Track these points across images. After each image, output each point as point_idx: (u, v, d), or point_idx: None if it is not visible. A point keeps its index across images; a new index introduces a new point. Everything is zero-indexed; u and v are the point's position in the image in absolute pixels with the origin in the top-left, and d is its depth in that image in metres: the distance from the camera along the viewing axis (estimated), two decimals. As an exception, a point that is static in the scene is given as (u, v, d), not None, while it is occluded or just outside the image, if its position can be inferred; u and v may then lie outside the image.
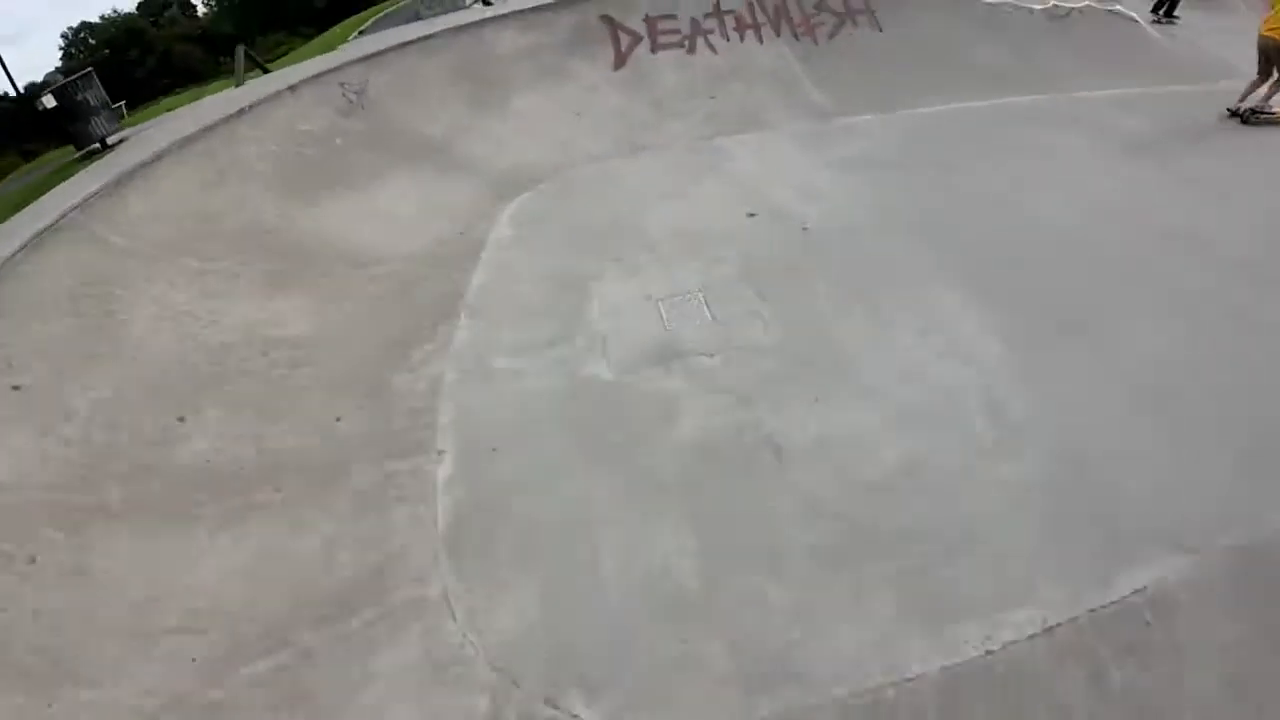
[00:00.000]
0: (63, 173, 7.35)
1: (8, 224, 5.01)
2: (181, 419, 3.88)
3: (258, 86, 7.60)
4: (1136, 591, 2.77)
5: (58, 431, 3.57)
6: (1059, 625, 2.69)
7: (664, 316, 4.75)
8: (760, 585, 2.95)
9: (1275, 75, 7.22)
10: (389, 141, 7.06)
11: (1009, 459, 3.41)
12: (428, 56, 8.04)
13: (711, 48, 9.05)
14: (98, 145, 8.09)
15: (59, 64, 60.43)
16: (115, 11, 61.09)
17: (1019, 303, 4.49)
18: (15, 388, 3.67)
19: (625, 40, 8.87)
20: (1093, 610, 2.72)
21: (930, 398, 3.82)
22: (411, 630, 2.92)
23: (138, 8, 61.78)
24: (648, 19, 9.02)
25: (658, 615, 2.90)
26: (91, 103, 8.18)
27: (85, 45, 61.26)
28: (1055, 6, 9.77)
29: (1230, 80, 8.00)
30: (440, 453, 3.82)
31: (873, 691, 2.57)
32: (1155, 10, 10.46)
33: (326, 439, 3.93)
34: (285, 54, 34.06)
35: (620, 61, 8.77)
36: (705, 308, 4.79)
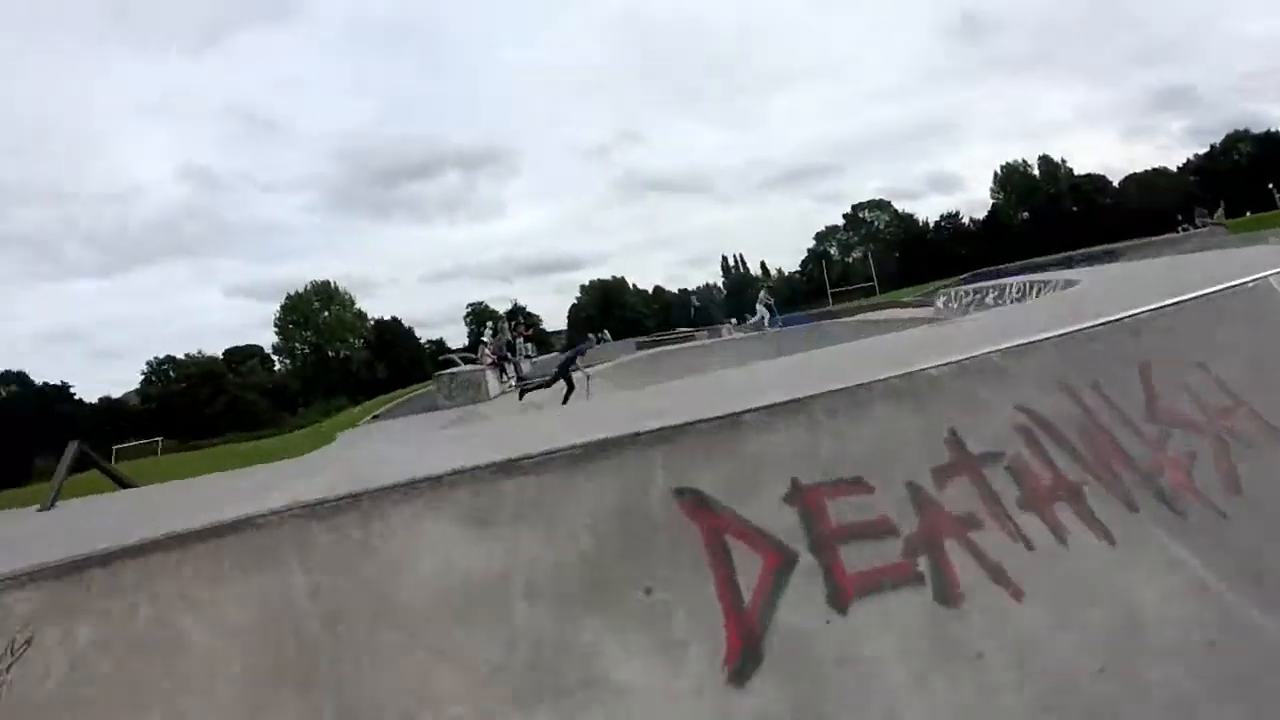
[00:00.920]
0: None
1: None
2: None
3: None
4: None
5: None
6: None
7: None
8: None
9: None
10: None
11: None
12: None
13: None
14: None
15: (138, 387, 64.82)
16: (200, 352, 69.58)
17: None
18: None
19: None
20: None
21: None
22: None
23: (224, 353, 69.35)
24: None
25: None
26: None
27: (165, 377, 66.83)
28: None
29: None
30: None
31: None
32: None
33: None
34: (337, 412, 36.47)
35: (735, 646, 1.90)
36: None
